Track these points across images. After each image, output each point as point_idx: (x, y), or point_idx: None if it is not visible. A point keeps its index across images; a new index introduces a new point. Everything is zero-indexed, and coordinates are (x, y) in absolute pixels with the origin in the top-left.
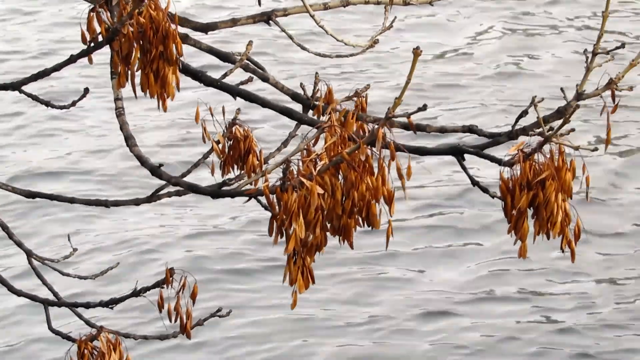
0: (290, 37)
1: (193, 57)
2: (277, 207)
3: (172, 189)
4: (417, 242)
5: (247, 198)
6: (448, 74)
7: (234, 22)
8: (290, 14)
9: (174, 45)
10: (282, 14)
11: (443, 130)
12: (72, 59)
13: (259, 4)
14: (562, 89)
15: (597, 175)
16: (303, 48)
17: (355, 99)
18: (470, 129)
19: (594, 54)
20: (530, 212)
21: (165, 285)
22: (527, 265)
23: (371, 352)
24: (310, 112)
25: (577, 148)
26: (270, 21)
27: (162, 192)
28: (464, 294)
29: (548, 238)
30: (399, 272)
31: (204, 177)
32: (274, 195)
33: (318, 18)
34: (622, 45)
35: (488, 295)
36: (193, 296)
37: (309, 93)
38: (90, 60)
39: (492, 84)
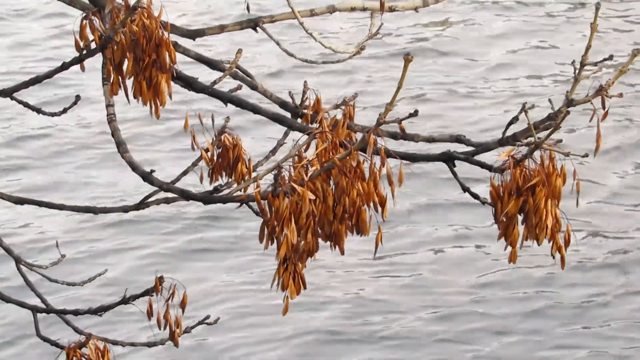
0: (278, 43)
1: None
2: (268, 213)
3: (160, 196)
4: (423, 236)
5: (239, 204)
6: (451, 71)
7: (221, 28)
8: (277, 20)
9: (167, 53)
10: (269, 21)
11: (431, 140)
12: (64, 66)
13: (248, 10)
14: (549, 100)
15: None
16: (290, 54)
17: (343, 107)
18: (458, 139)
19: (582, 64)
20: (521, 218)
21: (154, 294)
22: (535, 259)
23: (374, 349)
24: (299, 120)
25: (567, 154)
26: (258, 28)
27: (150, 199)
28: (470, 290)
29: (539, 244)
30: (405, 267)
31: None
32: (266, 201)
33: (307, 25)
34: (610, 57)
35: (497, 292)
36: (182, 305)
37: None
38: (83, 68)
39: (495, 78)
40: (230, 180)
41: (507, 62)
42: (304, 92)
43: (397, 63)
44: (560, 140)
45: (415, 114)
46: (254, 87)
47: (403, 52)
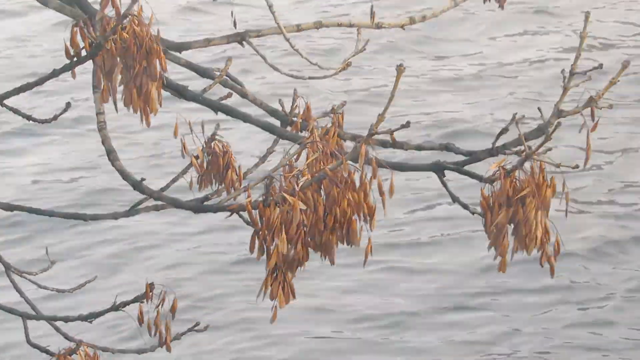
0: (263, 57)
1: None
2: (259, 223)
3: (150, 203)
4: (426, 232)
5: (229, 213)
6: (445, 65)
7: (207, 42)
8: (264, 35)
9: (157, 61)
10: (255, 35)
11: (420, 148)
12: (54, 73)
13: (235, 25)
14: (539, 109)
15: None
16: (275, 69)
17: (331, 115)
18: (447, 147)
19: (572, 73)
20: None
21: (145, 300)
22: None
23: (380, 347)
24: (288, 128)
25: (558, 165)
26: (244, 42)
27: (140, 206)
28: (474, 285)
29: (528, 254)
30: (407, 262)
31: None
32: (257, 211)
33: (293, 41)
34: (600, 66)
35: (501, 287)
36: (173, 311)
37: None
38: (74, 75)
39: (493, 71)
40: (220, 187)
41: (504, 54)
42: (294, 100)
43: (387, 58)
44: (550, 149)
45: (407, 125)
46: (243, 94)
47: (394, 45)
